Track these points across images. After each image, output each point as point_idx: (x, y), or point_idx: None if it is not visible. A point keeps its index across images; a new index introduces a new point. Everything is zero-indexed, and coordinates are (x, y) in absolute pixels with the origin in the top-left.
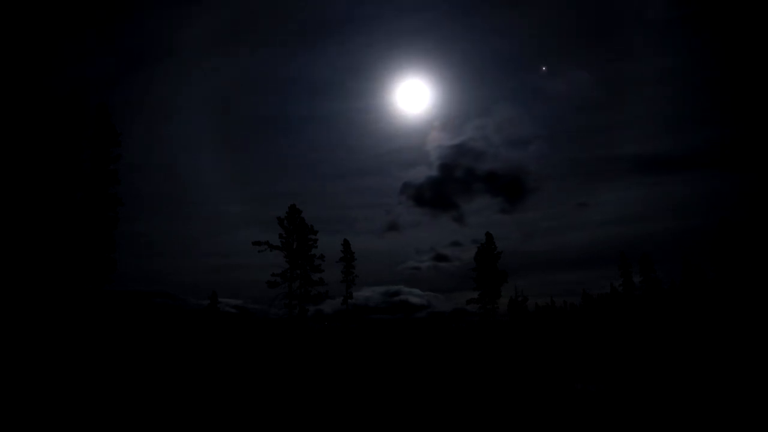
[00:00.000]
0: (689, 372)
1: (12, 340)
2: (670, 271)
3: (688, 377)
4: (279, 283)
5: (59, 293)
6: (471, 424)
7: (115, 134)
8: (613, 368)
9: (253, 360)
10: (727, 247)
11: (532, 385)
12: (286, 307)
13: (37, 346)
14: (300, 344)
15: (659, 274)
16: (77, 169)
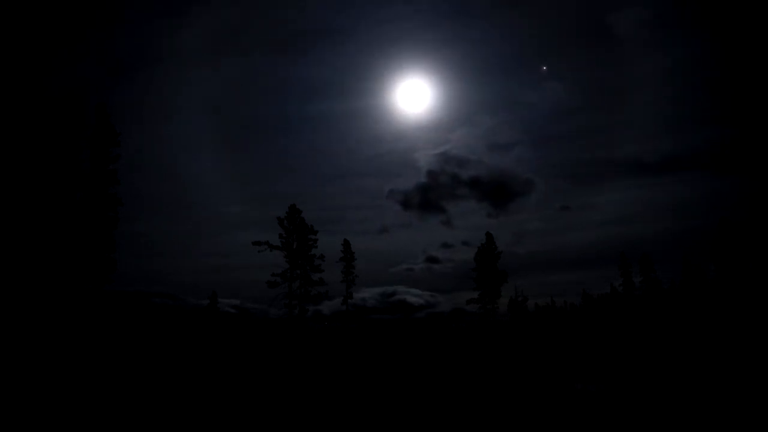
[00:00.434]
0: (689, 372)
1: (12, 340)
2: (670, 271)
3: (688, 377)
4: (279, 283)
5: (59, 293)
6: (471, 424)
7: (115, 134)
8: (613, 368)
9: (253, 360)
10: (727, 247)
11: (532, 385)
12: (286, 307)
13: (38, 346)
14: (300, 344)
15: (659, 274)
16: (77, 169)
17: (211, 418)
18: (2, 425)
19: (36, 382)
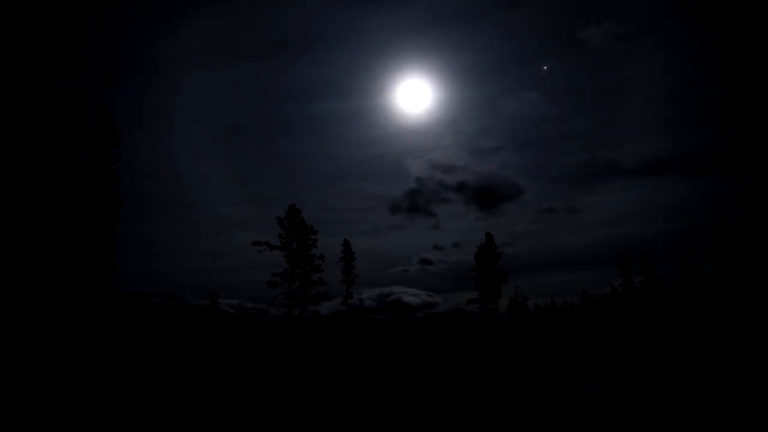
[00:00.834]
0: (689, 372)
1: (12, 340)
2: (670, 271)
3: (688, 377)
4: (279, 283)
5: (59, 293)
6: (472, 423)
7: (115, 134)
8: (613, 368)
9: (253, 360)
10: (727, 247)
11: (532, 385)
12: (286, 307)
13: (38, 346)
14: (300, 344)
15: (659, 274)
16: (77, 169)
17: (212, 418)
18: (3, 425)
19: (36, 382)
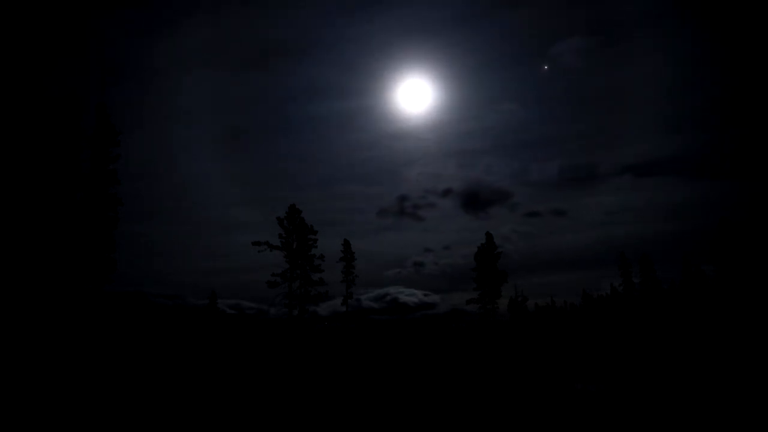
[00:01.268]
0: (689, 372)
1: (12, 340)
2: (670, 272)
3: (688, 377)
4: (279, 283)
5: (59, 293)
6: (472, 423)
7: (115, 134)
8: (613, 368)
9: (253, 360)
10: (727, 247)
11: (532, 385)
12: (285, 308)
13: (38, 346)
14: (301, 344)
15: (659, 275)
16: (77, 169)
17: (212, 418)
18: (3, 425)
19: (36, 382)
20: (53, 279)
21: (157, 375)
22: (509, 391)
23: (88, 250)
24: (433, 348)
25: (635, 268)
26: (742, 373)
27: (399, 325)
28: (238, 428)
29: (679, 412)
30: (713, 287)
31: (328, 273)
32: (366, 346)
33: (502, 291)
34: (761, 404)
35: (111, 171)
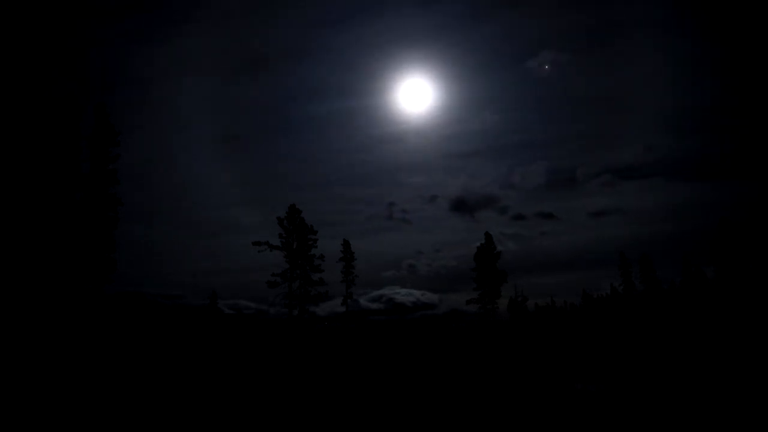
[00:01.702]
0: (689, 372)
1: (12, 340)
2: (669, 272)
3: (688, 377)
4: (279, 283)
5: (59, 294)
6: (472, 423)
7: (114, 134)
8: (613, 368)
9: (253, 360)
10: (727, 247)
11: (532, 385)
12: (285, 308)
13: (38, 346)
14: (301, 344)
15: (659, 275)
16: (77, 169)
17: (212, 418)
18: (3, 425)
19: (37, 382)
20: (53, 279)
21: (157, 375)
22: (509, 390)
23: (88, 250)
24: (433, 348)
25: (635, 269)
26: (742, 373)
27: (399, 326)
28: (239, 428)
29: (679, 413)
30: (713, 287)
31: (328, 273)
32: (366, 347)
33: (502, 291)
34: (761, 404)
35: (111, 171)
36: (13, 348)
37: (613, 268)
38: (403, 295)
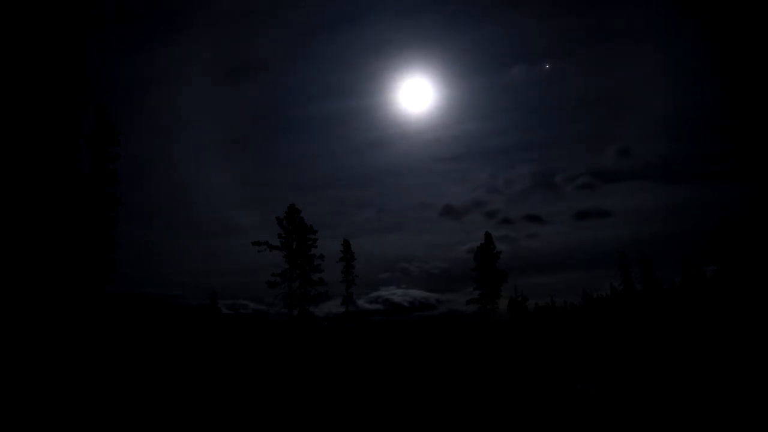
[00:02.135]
0: (689, 372)
1: (12, 340)
2: (669, 273)
3: (688, 377)
4: (279, 283)
5: (59, 294)
6: (472, 423)
7: (114, 134)
8: (613, 368)
9: (253, 360)
10: (727, 247)
11: (532, 385)
12: (285, 308)
13: (38, 346)
14: (301, 344)
15: (659, 275)
16: (77, 169)
17: (212, 418)
18: (3, 425)
19: (37, 382)
20: (53, 279)
21: (157, 375)
22: (509, 390)
23: (88, 251)
24: (433, 348)
25: (635, 269)
26: (742, 374)
27: (398, 326)
28: (239, 428)
29: (679, 412)
30: (713, 288)
31: (328, 273)
32: (366, 347)
33: (502, 291)
34: (761, 404)
35: (111, 171)
36: (13, 348)
37: (613, 269)
38: (400, 295)
